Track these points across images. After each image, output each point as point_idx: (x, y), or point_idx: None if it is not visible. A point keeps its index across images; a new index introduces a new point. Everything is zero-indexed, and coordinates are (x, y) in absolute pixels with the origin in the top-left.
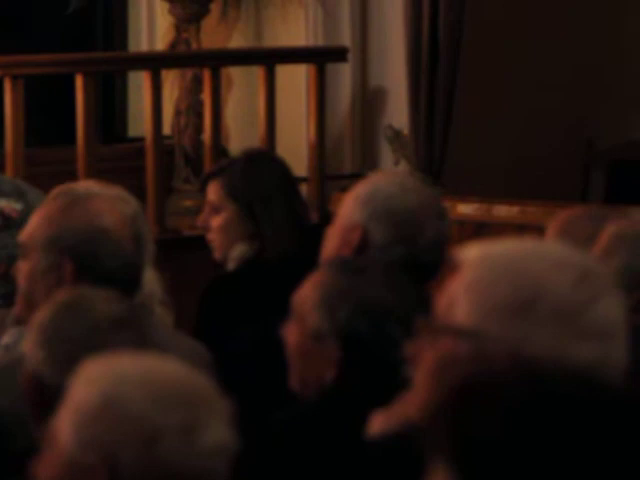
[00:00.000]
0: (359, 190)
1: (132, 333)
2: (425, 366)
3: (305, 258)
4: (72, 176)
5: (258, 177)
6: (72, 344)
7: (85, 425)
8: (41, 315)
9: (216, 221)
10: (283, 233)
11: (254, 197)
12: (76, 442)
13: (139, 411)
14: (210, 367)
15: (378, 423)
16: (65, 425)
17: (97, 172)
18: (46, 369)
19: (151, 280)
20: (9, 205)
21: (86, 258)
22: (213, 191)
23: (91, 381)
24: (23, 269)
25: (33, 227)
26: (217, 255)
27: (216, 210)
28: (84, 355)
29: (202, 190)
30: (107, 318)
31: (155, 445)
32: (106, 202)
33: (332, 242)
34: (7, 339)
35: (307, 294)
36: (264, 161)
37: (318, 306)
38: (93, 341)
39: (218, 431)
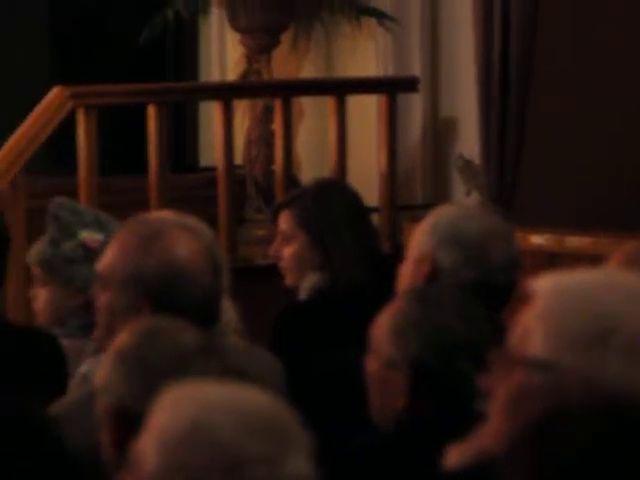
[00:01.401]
0: (425, 222)
1: (212, 361)
2: (500, 398)
3: (377, 288)
4: (144, 205)
5: (329, 207)
6: (153, 372)
7: (171, 450)
8: (120, 343)
9: (288, 251)
10: (353, 263)
11: (325, 227)
12: (161, 467)
13: (226, 438)
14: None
15: (454, 455)
16: (150, 450)
17: (169, 201)
18: (129, 398)
19: (227, 308)
20: (90, 236)
21: (163, 299)
22: (284, 221)
23: (177, 407)
24: (102, 300)
25: (110, 260)
26: (289, 284)
27: (288, 240)
28: (165, 383)
29: (273, 220)
30: (187, 346)
31: (240, 473)
32: (183, 235)
33: (405, 276)
34: (85, 368)
35: (382, 323)
36: (335, 191)
37: (391, 334)
38: (174, 369)
39: (299, 463)
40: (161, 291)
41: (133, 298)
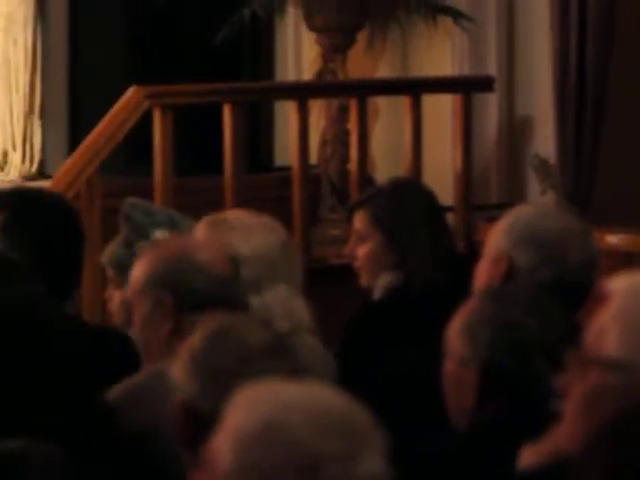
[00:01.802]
0: (502, 221)
1: (283, 361)
2: (575, 398)
3: (451, 287)
4: (219, 206)
5: (404, 206)
6: (224, 373)
7: (245, 450)
8: (190, 344)
9: (362, 250)
10: (428, 262)
11: (400, 226)
12: (236, 466)
13: (301, 437)
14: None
15: (529, 456)
16: (224, 450)
17: (244, 201)
18: (198, 397)
19: (300, 308)
20: (163, 235)
21: (179, 286)
22: (359, 220)
23: (251, 406)
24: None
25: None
26: (364, 283)
27: (362, 239)
28: (237, 383)
29: (348, 219)
30: (258, 346)
31: (315, 473)
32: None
33: (481, 275)
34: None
35: (456, 322)
36: (410, 190)
37: (462, 333)
38: (245, 369)
39: (373, 462)
40: (175, 280)
41: (154, 295)
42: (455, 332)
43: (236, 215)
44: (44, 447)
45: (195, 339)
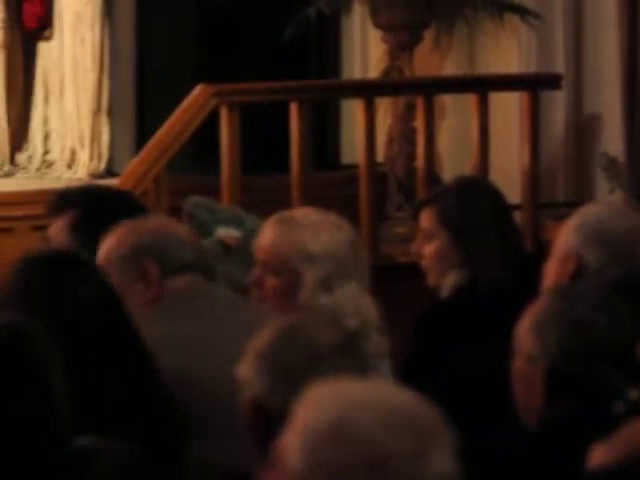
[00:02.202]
0: (572, 220)
1: (352, 359)
2: None
3: (519, 286)
4: (285, 204)
5: (471, 205)
6: (294, 370)
7: (315, 448)
8: (260, 342)
9: (429, 249)
10: (495, 261)
11: (467, 225)
12: (305, 465)
13: (370, 436)
14: None
15: (599, 455)
16: (293, 447)
17: (310, 199)
18: (268, 395)
19: (367, 306)
20: (227, 233)
21: (164, 255)
22: (426, 218)
23: (321, 405)
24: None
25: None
26: (431, 282)
27: (429, 237)
28: (306, 381)
29: (415, 217)
30: (327, 344)
31: (383, 471)
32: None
33: (550, 274)
34: None
35: (526, 319)
36: (477, 188)
37: (531, 330)
38: (314, 367)
39: (443, 461)
40: (157, 248)
41: (136, 267)
42: (524, 330)
43: (304, 213)
44: (114, 444)
45: (264, 337)
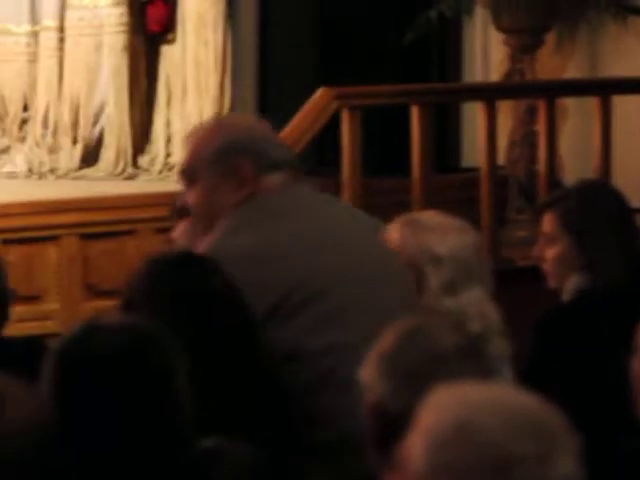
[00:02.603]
0: None
1: (474, 363)
2: None
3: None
4: (405, 206)
5: (593, 208)
6: (416, 374)
7: (438, 450)
8: (382, 345)
9: (551, 252)
10: (617, 265)
11: (588, 228)
12: (429, 466)
13: (494, 438)
14: None
15: None
16: (417, 450)
17: (431, 202)
18: (390, 398)
19: (490, 310)
20: None
21: (256, 150)
22: (548, 222)
23: (444, 407)
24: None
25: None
26: (552, 285)
27: (551, 241)
28: (428, 384)
29: (536, 220)
30: (450, 347)
31: (507, 474)
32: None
33: None
34: None
35: None
36: (599, 192)
37: None
38: (437, 370)
39: (567, 464)
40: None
41: (227, 164)
42: None
43: (430, 216)
44: (239, 446)
45: (386, 340)
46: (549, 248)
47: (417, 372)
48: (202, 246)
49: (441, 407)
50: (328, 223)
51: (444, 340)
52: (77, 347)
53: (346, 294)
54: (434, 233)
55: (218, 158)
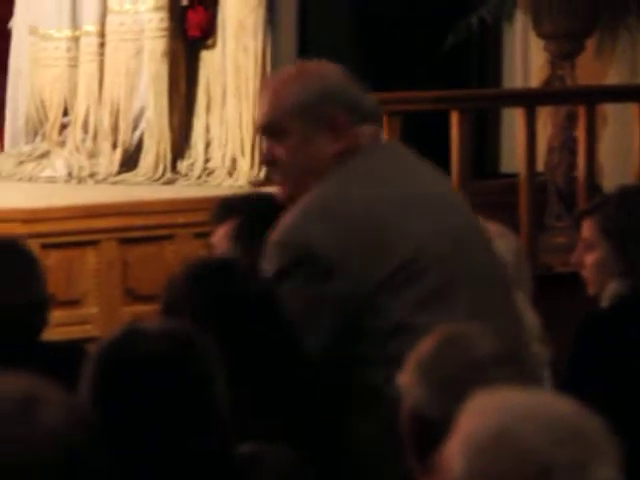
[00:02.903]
0: None
1: (513, 369)
2: None
3: None
4: None
5: (632, 215)
6: (454, 380)
7: (478, 457)
8: (420, 351)
9: (590, 258)
10: None
11: (629, 235)
12: (468, 472)
13: (532, 444)
14: None
15: None
16: (456, 456)
17: (471, 208)
18: (428, 405)
19: (530, 317)
20: None
21: (350, 101)
22: (587, 228)
23: (483, 413)
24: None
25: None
26: (591, 291)
27: (590, 247)
28: (467, 391)
29: (575, 227)
30: (488, 354)
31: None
32: None
33: None
34: None
35: None
36: (638, 198)
37: None
38: (475, 377)
39: (607, 472)
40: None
41: (320, 117)
42: None
43: None
44: (277, 450)
45: (425, 346)
46: (588, 254)
47: (454, 380)
48: (306, 199)
49: (480, 413)
50: (429, 187)
51: (482, 347)
52: (117, 351)
53: (456, 266)
54: None
55: (310, 109)
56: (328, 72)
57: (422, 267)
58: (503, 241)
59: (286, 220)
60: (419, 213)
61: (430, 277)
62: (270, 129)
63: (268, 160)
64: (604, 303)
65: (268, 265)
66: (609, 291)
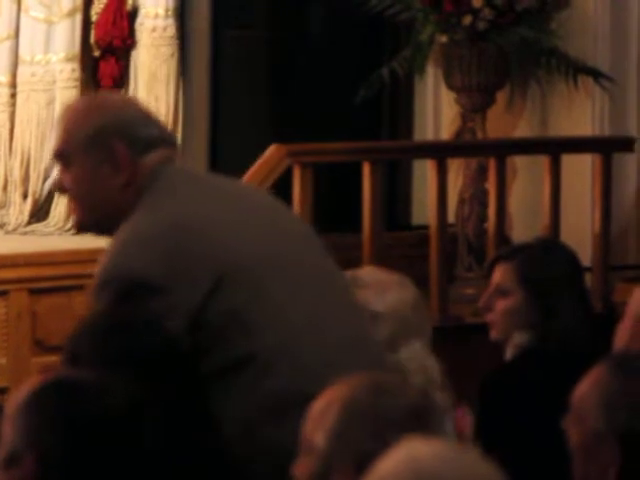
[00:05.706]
0: None
1: (424, 422)
2: None
3: (589, 349)
4: (356, 262)
5: (552, 264)
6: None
7: None
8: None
9: (501, 304)
10: (570, 324)
11: (546, 285)
12: None
13: None
14: None
15: None
16: None
17: (381, 260)
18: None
19: (432, 365)
20: None
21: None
22: (503, 273)
23: (398, 459)
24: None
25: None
26: (494, 336)
27: (503, 293)
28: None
29: (489, 271)
30: (405, 408)
31: None
32: None
33: (623, 336)
34: None
35: (586, 391)
36: (558, 250)
37: (597, 405)
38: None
39: None
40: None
41: (102, 146)
42: (588, 404)
43: (367, 272)
44: None
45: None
46: (500, 300)
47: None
48: (118, 234)
49: (399, 457)
50: (237, 196)
51: (402, 400)
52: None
53: (280, 271)
54: (372, 290)
55: (92, 141)
56: (120, 104)
57: (245, 276)
58: (402, 290)
59: (104, 260)
60: (232, 221)
61: (259, 284)
62: (59, 157)
63: (58, 187)
64: (508, 353)
65: (100, 306)
66: (515, 341)
